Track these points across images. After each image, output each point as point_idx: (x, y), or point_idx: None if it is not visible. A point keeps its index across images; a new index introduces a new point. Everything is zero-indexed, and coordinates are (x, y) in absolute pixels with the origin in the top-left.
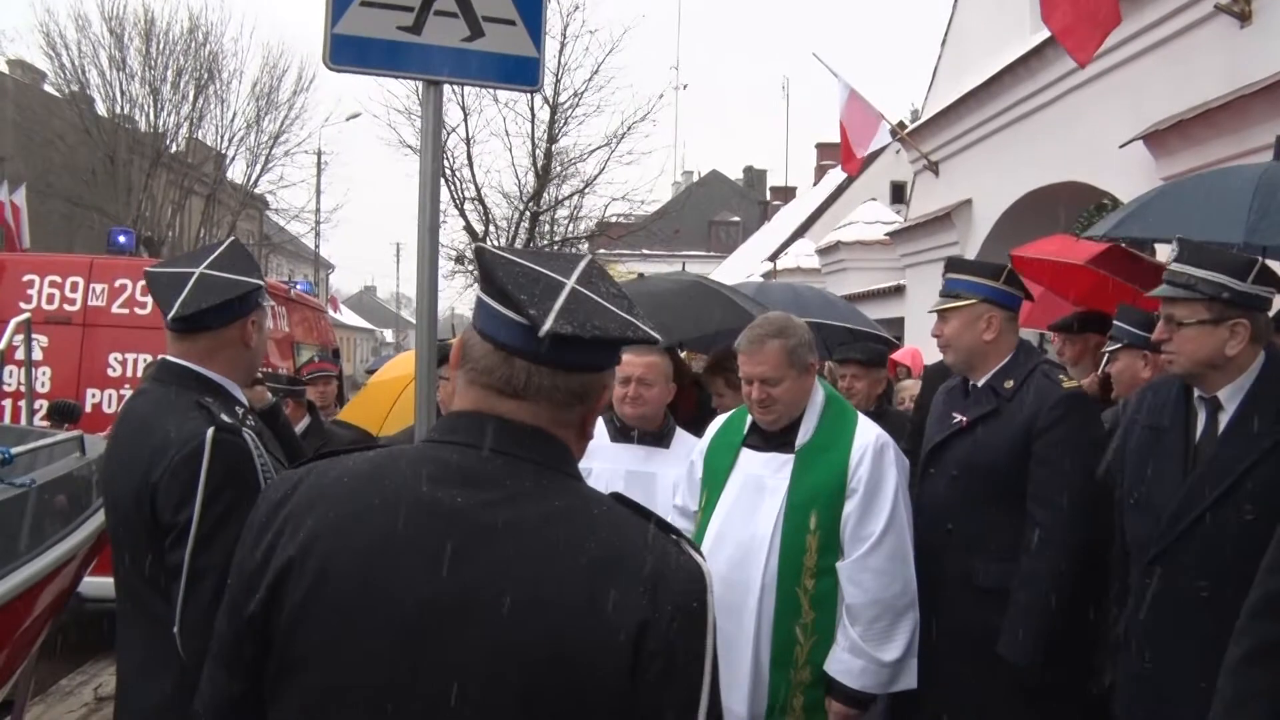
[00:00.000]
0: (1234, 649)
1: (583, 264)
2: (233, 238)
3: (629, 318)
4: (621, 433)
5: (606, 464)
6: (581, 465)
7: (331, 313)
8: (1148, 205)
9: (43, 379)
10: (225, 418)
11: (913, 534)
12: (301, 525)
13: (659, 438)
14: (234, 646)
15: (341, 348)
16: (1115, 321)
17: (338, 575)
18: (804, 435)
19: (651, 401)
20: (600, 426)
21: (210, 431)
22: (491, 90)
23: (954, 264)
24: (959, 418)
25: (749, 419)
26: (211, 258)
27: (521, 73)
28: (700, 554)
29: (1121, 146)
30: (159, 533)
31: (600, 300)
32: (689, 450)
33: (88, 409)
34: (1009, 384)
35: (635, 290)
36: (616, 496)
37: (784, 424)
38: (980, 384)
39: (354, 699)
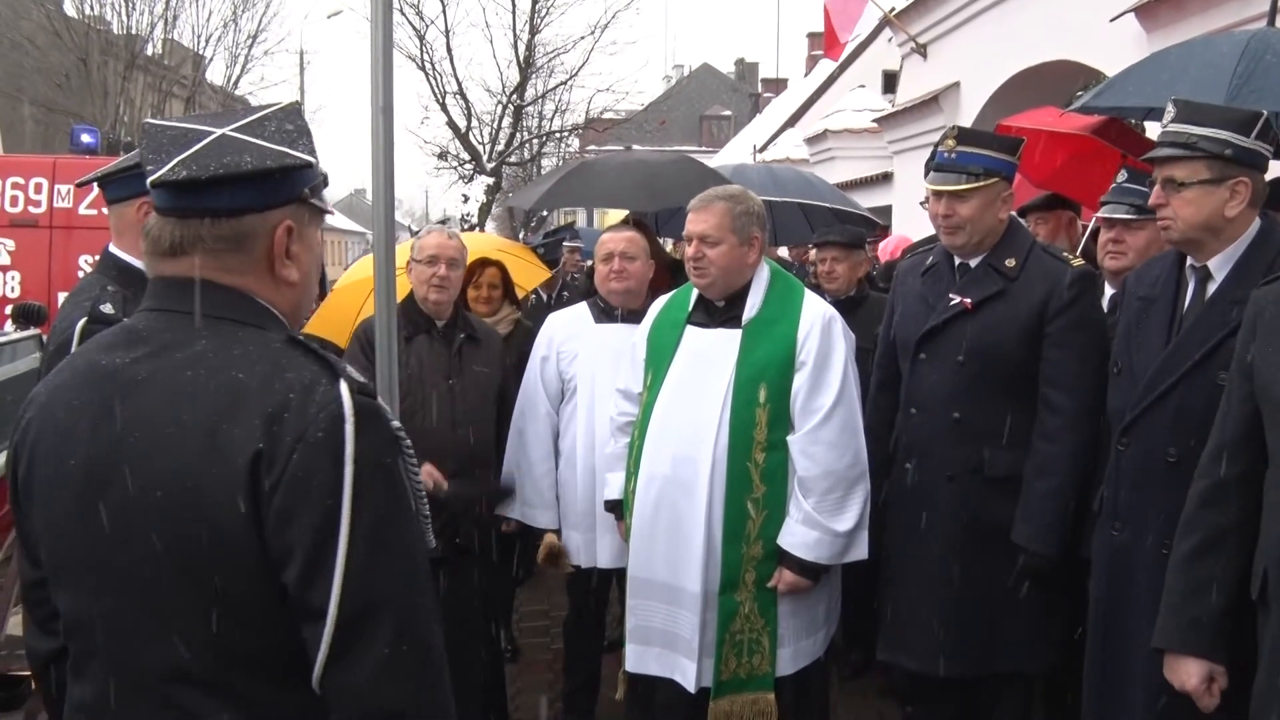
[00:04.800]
0: (1182, 542)
1: (262, 113)
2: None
3: (277, 148)
4: (605, 313)
5: (592, 345)
6: (567, 348)
7: None
8: (1128, 74)
9: (12, 284)
10: (106, 308)
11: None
12: (27, 413)
13: (642, 316)
14: (26, 538)
15: (332, 251)
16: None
17: (41, 456)
18: (750, 310)
19: (635, 275)
20: (584, 310)
21: (81, 322)
22: None
23: (969, 136)
24: (958, 299)
25: (693, 297)
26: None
27: None
28: (369, 394)
29: (1112, 20)
30: None
31: (253, 139)
32: None
33: None
34: (1010, 262)
35: (625, 159)
36: (292, 340)
37: (720, 292)
38: (975, 263)
39: (67, 571)
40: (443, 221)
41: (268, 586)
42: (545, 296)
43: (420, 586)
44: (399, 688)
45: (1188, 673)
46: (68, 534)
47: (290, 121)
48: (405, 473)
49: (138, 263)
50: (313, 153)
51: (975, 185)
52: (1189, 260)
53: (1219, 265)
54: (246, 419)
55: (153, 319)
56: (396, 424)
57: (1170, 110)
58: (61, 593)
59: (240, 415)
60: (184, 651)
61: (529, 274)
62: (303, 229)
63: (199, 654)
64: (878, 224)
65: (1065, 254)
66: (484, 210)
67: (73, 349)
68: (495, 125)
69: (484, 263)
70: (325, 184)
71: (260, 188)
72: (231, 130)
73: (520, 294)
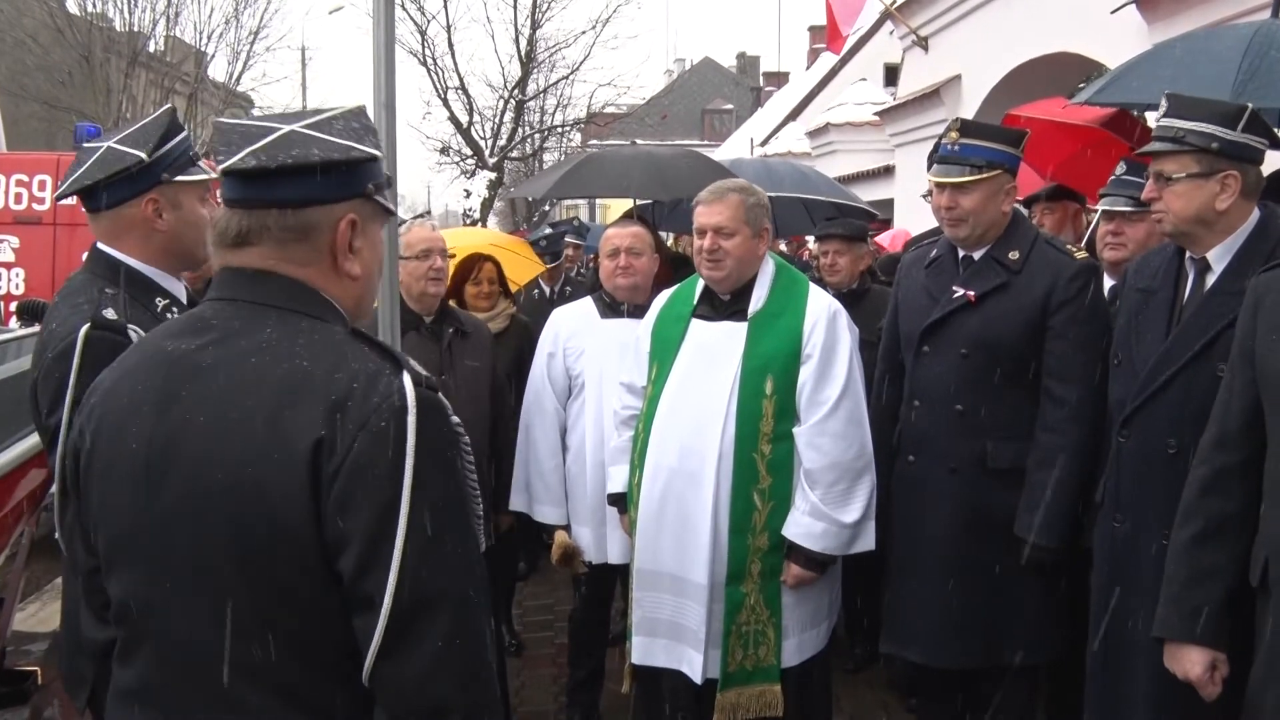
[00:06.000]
0: (1182, 530)
1: (331, 113)
2: (166, 107)
3: (344, 142)
4: (611, 308)
5: (599, 340)
6: (574, 344)
7: None
8: (1132, 69)
9: (16, 281)
10: (109, 313)
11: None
12: (91, 399)
13: (647, 311)
14: (78, 524)
15: None
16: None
17: (104, 439)
18: (756, 303)
19: (641, 270)
20: (590, 305)
21: (85, 328)
22: None
23: (972, 128)
24: (961, 292)
25: (698, 289)
26: (122, 134)
27: None
28: (432, 388)
29: (1113, 12)
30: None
31: (321, 135)
32: None
33: None
34: (1014, 255)
35: (634, 151)
36: (355, 332)
37: (732, 285)
38: (979, 256)
39: (123, 553)
40: (420, 216)
41: (323, 575)
42: (549, 291)
43: (475, 581)
44: (449, 682)
45: (1190, 661)
46: (126, 516)
47: (356, 120)
48: (464, 468)
49: (133, 261)
50: (378, 148)
51: (978, 177)
52: (1188, 252)
53: (1218, 257)
54: (309, 406)
55: (220, 308)
56: (456, 420)
57: (1163, 104)
58: (114, 577)
59: (303, 402)
60: (236, 637)
61: (522, 267)
62: (366, 224)
63: (250, 641)
64: (875, 215)
65: (1069, 246)
66: (486, 205)
67: (76, 357)
68: (497, 120)
69: (480, 258)
70: (389, 184)
71: (326, 180)
72: (300, 127)
73: (513, 288)
